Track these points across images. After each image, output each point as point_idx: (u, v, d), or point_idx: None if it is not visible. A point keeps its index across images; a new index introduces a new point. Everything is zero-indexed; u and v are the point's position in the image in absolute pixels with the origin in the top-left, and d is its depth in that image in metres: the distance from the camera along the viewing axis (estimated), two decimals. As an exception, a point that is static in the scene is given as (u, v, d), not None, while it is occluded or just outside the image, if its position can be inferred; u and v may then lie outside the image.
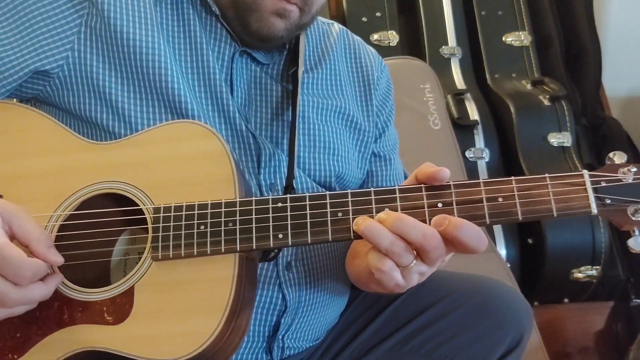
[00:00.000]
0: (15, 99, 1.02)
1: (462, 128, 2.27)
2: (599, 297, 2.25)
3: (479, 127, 2.29)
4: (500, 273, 1.92)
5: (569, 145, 2.26)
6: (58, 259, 0.85)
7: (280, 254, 1.02)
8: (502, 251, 2.14)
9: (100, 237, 0.91)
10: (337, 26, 1.25)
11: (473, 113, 2.32)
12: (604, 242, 2.12)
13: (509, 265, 2.03)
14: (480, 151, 2.28)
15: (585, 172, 0.84)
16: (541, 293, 2.19)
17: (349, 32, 1.26)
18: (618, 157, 0.85)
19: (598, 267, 2.14)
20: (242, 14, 1.02)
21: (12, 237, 0.83)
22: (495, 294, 1.12)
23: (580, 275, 2.15)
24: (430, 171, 0.85)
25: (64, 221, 0.90)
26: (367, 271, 0.87)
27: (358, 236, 0.84)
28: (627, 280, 2.24)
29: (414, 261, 0.83)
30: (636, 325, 2.09)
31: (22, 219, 0.83)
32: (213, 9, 1.05)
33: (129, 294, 0.86)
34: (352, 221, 0.85)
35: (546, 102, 2.31)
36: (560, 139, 2.26)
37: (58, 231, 0.90)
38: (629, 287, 2.22)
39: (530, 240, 2.17)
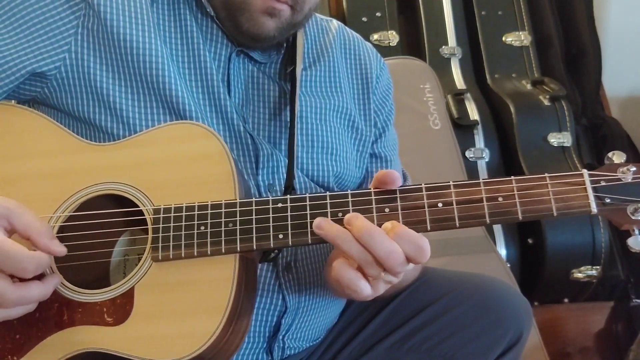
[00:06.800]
0: (13, 101, 1.01)
1: (462, 128, 2.26)
2: (599, 297, 2.24)
3: (479, 127, 2.29)
4: (500, 273, 1.92)
5: (569, 145, 2.26)
6: (61, 249, 0.85)
7: (280, 254, 1.02)
8: (502, 251, 2.13)
9: (100, 239, 0.91)
10: (335, 23, 1.24)
11: (473, 113, 2.31)
12: (604, 242, 2.12)
13: (509, 265, 2.03)
14: (480, 151, 2.27)
15: (585, 172, 0.85)
16: (541, 293, 2.19)
17: (347, 28, 1.26)
18: (617, 156, 0.86)
19: (598, 267, 2.13)
20: (233, 14, 1.02)
21: (13, 232, 0.83)
22: (495, 292, 1.13)
23: (580, 275, 2.14)
24: (379, 174, 0.85)
25: (64, 222, 0.90)
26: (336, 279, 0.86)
27: None
28: (627, 280, 2.24)
29: (382, 272, 0.82)
30: (636, 325, 2.09)
31: (21, 213, 0.83)
32: (207, 10, 1.05)
33: (129, 294, 0.86)
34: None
35: (546, 102, 2.30)
36: (560, 139, 2.26)
37: (58, 232, 0.90)
38: (629, 287, 2.22)
39: (530, 240, 2.16)
